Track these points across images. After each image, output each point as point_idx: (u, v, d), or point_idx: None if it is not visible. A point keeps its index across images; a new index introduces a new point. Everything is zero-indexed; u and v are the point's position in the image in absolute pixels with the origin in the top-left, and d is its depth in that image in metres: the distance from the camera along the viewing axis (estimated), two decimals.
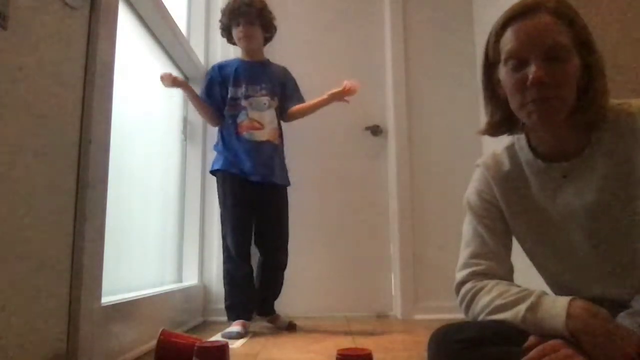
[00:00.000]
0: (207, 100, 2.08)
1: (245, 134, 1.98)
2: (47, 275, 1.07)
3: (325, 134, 2.60)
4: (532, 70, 0.84)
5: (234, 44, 2.13)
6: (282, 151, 2.09)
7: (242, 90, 2.03)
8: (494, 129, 0.99)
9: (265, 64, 2.13)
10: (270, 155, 2.00)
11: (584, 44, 0.86)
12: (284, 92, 2.12)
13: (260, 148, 1.98)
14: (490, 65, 0.96)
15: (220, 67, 2.11)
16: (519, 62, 0.86)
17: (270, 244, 2.04)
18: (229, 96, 2.04)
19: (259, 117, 2.00)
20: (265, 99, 2.02)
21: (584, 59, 0.86)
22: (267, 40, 2.15)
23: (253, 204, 2.01)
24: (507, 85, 0.90)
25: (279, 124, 2.08)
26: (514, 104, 0.90)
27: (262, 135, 1.99)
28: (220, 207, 2.05)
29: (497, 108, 0.97)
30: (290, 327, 2.01)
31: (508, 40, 0.88)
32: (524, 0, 0.88)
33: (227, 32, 2.11)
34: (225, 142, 2.03)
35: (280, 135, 2.08)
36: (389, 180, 2.61)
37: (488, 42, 0.95)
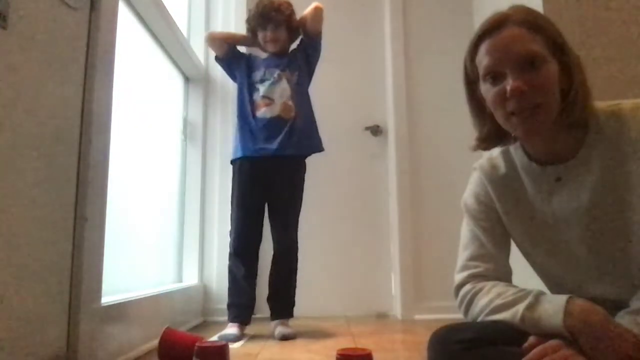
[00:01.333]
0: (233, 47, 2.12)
1: (258, 113, 1.97)
2: (47, 275, 1.07)
3: (325, 134, 2.58)
4: (509, 82, 0.85)
5: (258, 44, 2.12)
6: (302, 124, 1.98)
7: (260, 73, 2.03)
8: (485, 144, 1.00)
9: (289, 53, 2.12)
10: (280, 131, 1.94)
11: (558, 48, 0.87)
12: (301, 49, 2.09)
13: (270, 125, 1.95)
14: (471, 83, 0.97)
15: (250, 57, 2.14)
16: (497, 77, 0.88)
17: (278, 224, 1.99)
18: (251, 80, 2.04)
19: (269, 92, 1.98)
20: (275, 73, 2.00)
21: (561, 62, 0.87)
22: (291, 42, 2.14)
23: (263, 194, 1.98)
24: (488, 100, 0.91)
25: (297, 98, 2.00)
26: (498, 117, 0.91)
27: (272, 111, 1.95)
28: (230, 203, 2.03)
29: (484, 123, 0.98)
30: (284, 339, 1.82)
31: (482, 58, 0.90)
32: (491, 17, 0.90)
33: (252, 34, 2.11)
34: (240, 126, 2.02)
35: (298, 110, 1.98)
36: (389, 180, 2.61)
37: (465, 61, 0.96)
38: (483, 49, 0.89)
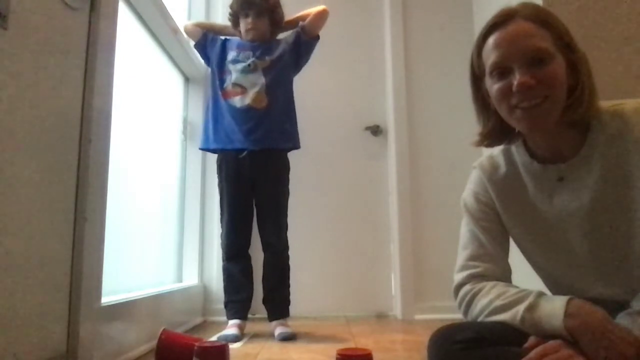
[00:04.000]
0: (204, 32, 2.10)
1: (228, 100, 1.93)
2: (47, 275, 1.07)
3: (325, 134, 2.60)
4: (516, 77, 0.85)
5: (239, 31, 2.07)
6: (274, 115, 1.92)
7: (233, 53, 1.99)
8: (488, 139, 1.00)
9: (272, 41, 2.06)
10: (249, 121, 1.89)
11: (565, 45, 0.87)
12: (295, 42, 2.03)
13: (240, 114, 1.90)
14: (477, 78, 0.97)
15: (227, 39, 2.10)
16: (504, 72, 0.87)
17: (267, 226, 1.96)
18: (224, 61, 1.99)
19: (242, 80, 1.93)
20: (250, 61, 1.95)
21: (568, 59, 0.87)
22: (273, 35, 2.09)
23: (250, 188, 1.95)
24: (493, 95, 0.91)
25: (272, 88, 1.93)
26: (502, 112, 0.91)
27: (243, 101, 1.91)
28: (220, 206, 2.01)
29: (488, 119, 0.98)
30: (284, 339, 1.80)
31: (489, 52, 0.89)
32: (500, 11, 0.90)
33: (234, 19, 2.08)
34: (211, 112, 1.98)
35: (272, 101, 1.92)
36: (389, 180, 2.61)
37: (472, 56, 0.96)
38: (490, 42, 0.89)
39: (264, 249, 1.98)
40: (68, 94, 1.18)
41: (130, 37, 1.78)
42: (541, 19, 0.87)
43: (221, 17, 2.61)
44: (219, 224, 2.35)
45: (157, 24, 1.96)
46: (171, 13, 2.04)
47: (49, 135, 1.09)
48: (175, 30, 2.06)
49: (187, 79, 2.53)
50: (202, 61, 2.50)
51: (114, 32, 1.39)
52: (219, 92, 1.97)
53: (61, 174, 1.14)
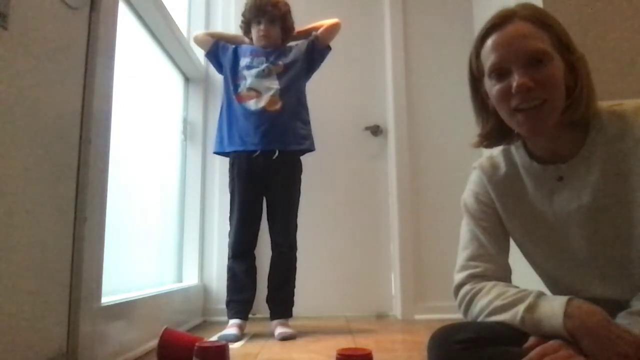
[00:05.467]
0: (215, 40, 2.13)
1: (243, 104, 1.96)
2: (47, 275, 1.07)
3: (325, 134, 2.59)
4: (515, 79, 0.85)
5: (250, 39, 2.11)
6: (286, 118, 1.96)
7: (247, 60, 2.02)
8: (487, 140, 1.00)
9: (285, 47, 2.10)
10: (262, 124, 1.92)
11: (564, 46, 0.87)
12: (308, 49, 2.08)
13: (254, 118, 1.93)
14: (475, 79, 0.97)
15: (238, 46, 2.12)
16: (502, 73, 0.87)
17: (277, 225, 1.98)
18: (237, 67, 2.03)
19: (256, 85, 1.97)
20: (264, 66, 1.99)
21: (567, 60, 0.87)
22: (284, 42, 2.13)
23: (261, 188, 1.98)
24: (493, 96, 0.91)
25: (285, 92, 1.96)
26: (503, 114, 0.91)
27: (257, 104, 1.94)
28: (230, 204, 2.02)
29: (487, 120, 0.98)
30: (284, 339, 1.80)
31: (488, 54, 0.89)
32: (498, 12, 0.90)
33: (246, 26, 2.11)
34: (226, 116, 2.01)
35: (285, 104, 1.95)
36: (389, 180, 2.61)
37: (470, 57, 0.96)
38: (489, 44, 0.89)
39: (272, 248, 2.00)
40: (68, 94, 1.18)
41: (130, 37, 1.78)
42: (539, 19, 0.87)
43: (220, 17, 2.61)
44: (219, 224, 2.36)
45: (157, 24, 1.96)
46: (171, 13, 2.04)
47: (49, 135, 1.09)
48: None
49: (187, 79, 2.53)
50: (202, 61, 2.51)
51: (114, 32, 1.39)
52: (233, 96, 1.99)
53: (61, 174, 1.14)
